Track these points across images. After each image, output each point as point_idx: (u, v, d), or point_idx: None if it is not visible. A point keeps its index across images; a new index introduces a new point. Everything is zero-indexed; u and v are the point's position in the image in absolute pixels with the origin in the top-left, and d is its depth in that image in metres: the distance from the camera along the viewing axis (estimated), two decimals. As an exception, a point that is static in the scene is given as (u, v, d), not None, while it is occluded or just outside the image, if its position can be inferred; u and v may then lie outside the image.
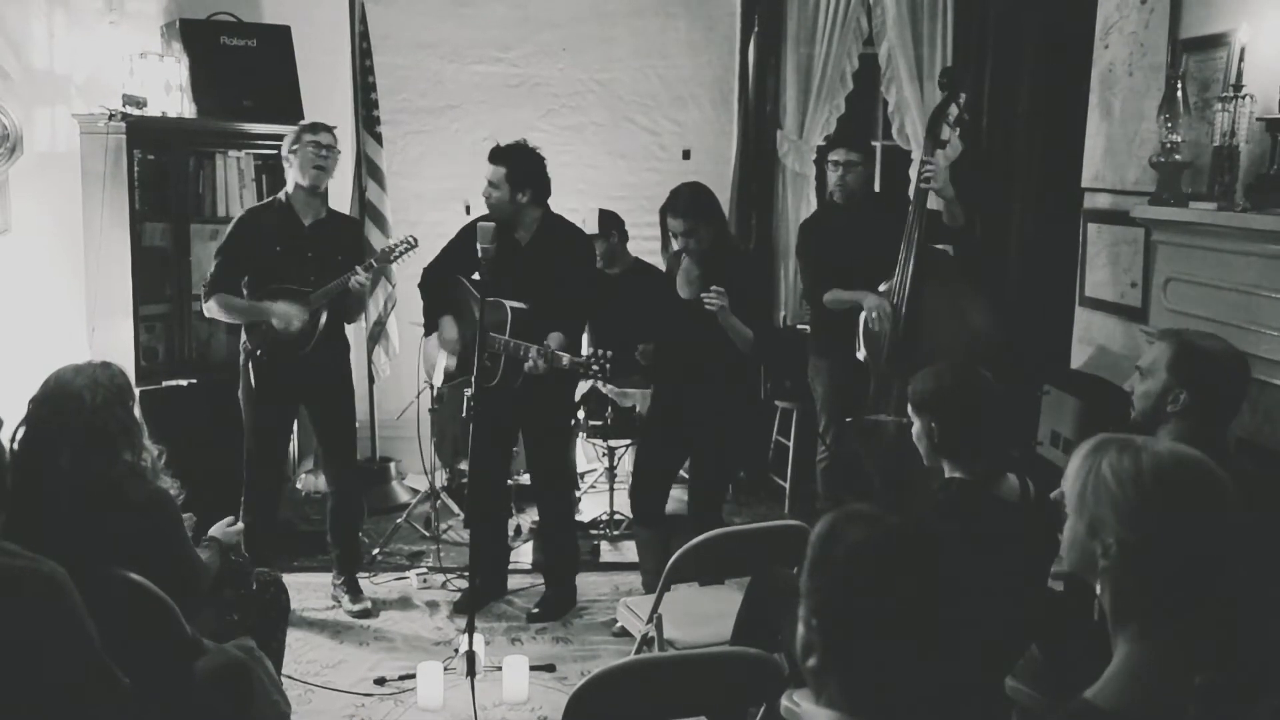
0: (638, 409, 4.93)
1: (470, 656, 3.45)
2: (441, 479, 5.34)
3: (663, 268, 4.79)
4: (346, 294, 4.11)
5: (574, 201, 5.77)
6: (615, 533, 5.10)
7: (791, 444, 5.45)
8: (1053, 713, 1.53)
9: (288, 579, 3.48)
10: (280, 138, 4.24)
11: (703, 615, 3.33)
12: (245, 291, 4.10)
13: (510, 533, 4.96)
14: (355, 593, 4.34)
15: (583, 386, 5.06)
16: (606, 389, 5.01)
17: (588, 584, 4.53)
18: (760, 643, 2.66)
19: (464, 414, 3.72)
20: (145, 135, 4.58)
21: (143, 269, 4.59)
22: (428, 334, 4.32)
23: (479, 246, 3.54)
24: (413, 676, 3.60)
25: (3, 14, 4.61)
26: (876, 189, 5.05)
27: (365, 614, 4.27)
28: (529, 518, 4.96)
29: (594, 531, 5.14)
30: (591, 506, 5.38)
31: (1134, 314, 4.11)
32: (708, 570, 3.36)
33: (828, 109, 5.72)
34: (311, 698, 3.63)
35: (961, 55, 5.41)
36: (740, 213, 5.75)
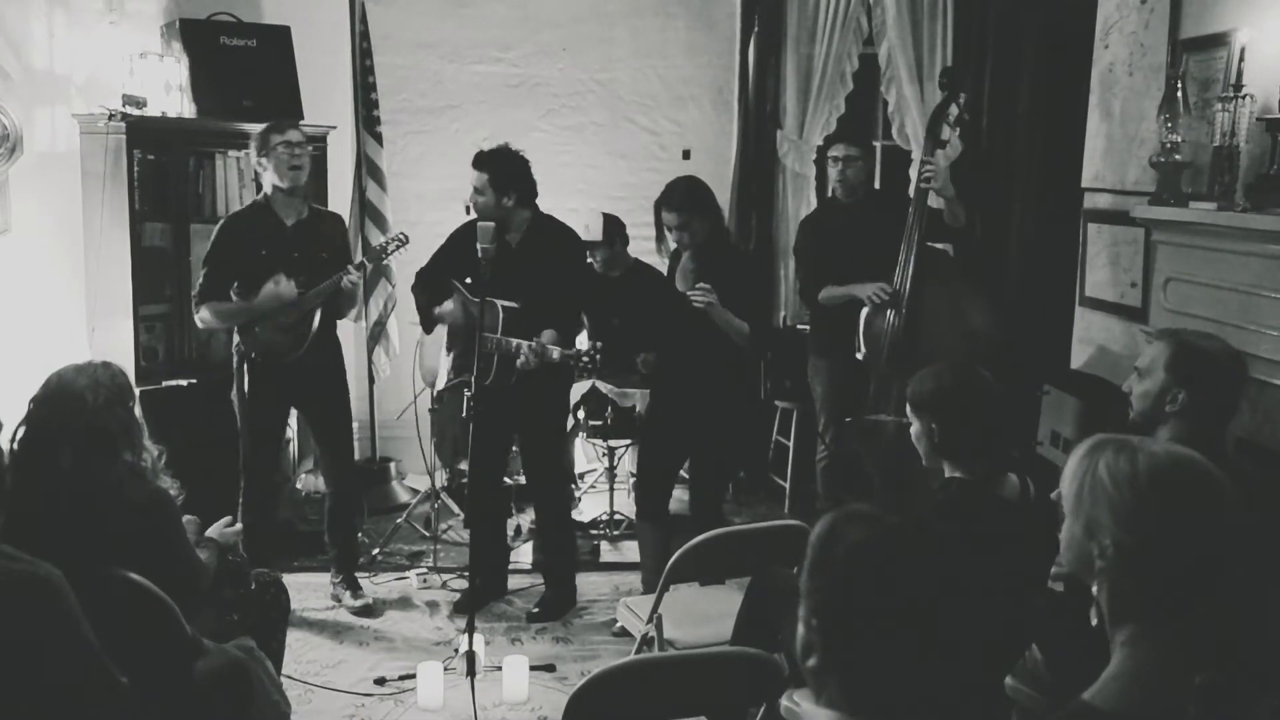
0: (638, 409, 4.93)
1: (470, 656, 3.45)
2: (441, 479, 5.34)
3: (657, 262, 4.81)
4: (339, 293, 4.10)
5: (574, 201, 5.78)
6: (615, 533, 5.10)
7: (791, 444, 5.45)
8: (1052, 713, 1.52)
9: (288, 579, 3.49)
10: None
11: (703, 615, 3.33)
12: (235, 298, 4.09)
13: (510, 533, 4.97)
14: (355, 589, 4.34)
15: (582, 387, 5.07)
16: (606, 389, 5.02)
17: (588, 584, 4.53)
18: (760, 643, 2.66)
19: (464, 414, 3.72)
20: (145, 135, 4.57)
21: (143, 269, 4.58)
22: (428, 331, 4.32)
23: (479, 246, 3.55)
24: (413, 676, 3.60)
25: (3, 14, 4.60)
26: (876, 188, 5.04)
27: (367, 611, 4.26)
28: (529, 518, 4.96)
29: (594, 531, 5.14)
30: (591, 506, 5.38)
31: (1134, 314, 4.11)
32: (708, 570, 3.36)
33: (828, 109, 5.72)
34: (311, 698, 3.63)
35: (961, 55, 5.41)
36: (740, 213, 5.75)
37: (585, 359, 3.79)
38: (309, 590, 4.42)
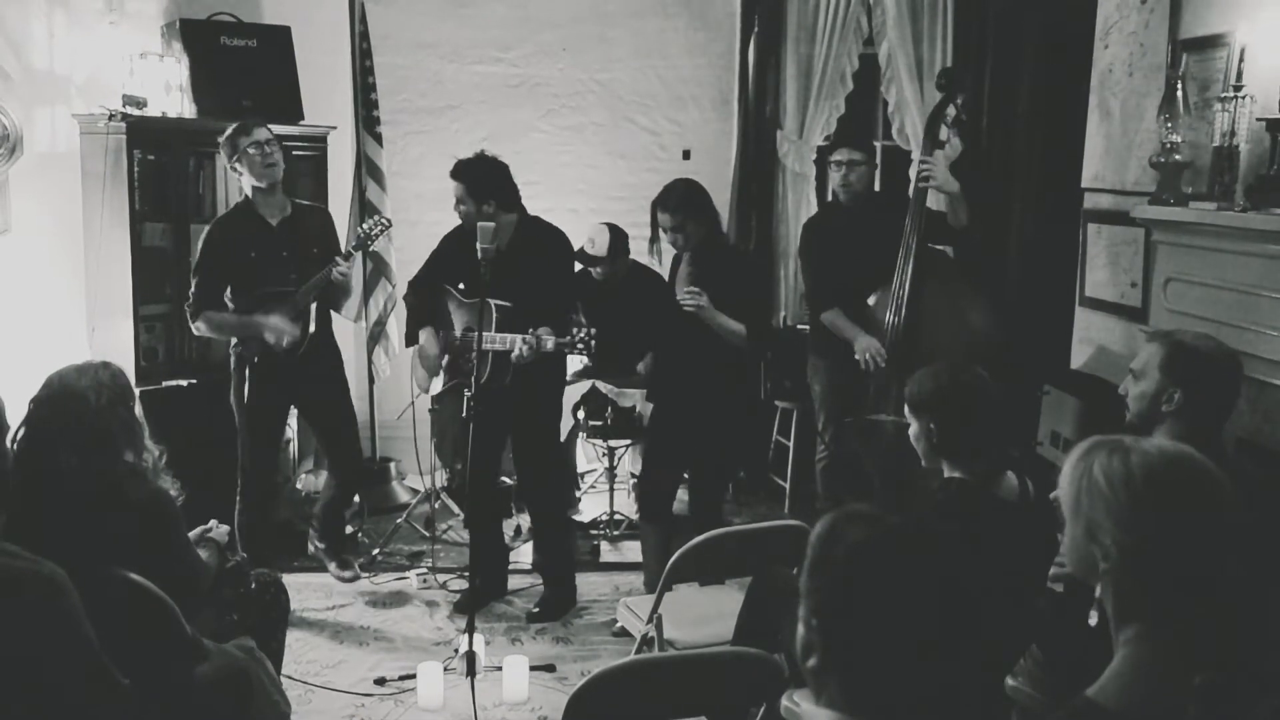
0: (638, 409, 4.93)
1: (470, 656, 3.45)
2: (441, 479, 5.34)
3: (648, 260, 4.81)
4: (331, 285, 4.10)
5: (574, 201, 5.78)
6: (615, 533, 5.10)
7: (791, 444, 5.45)
8: (1054, 712, 1.53)
9: (288, 579, 3.49)
10: (280, 138, 4.23)
11: (703, 615, 3.33)
12: (230, 304, 4.09)
13: (510, 533, 4.97)
14: (341, 558, 4.38)
15: (582, 387, 5.07)
16: (606, 389, 5.02)
17: (588, 584, 4.53)
18: (760, 643, 2.66)
19: (464, 414, 3.72)
20: (145, 135, 4.57)
21: (143, 269, 4.59)
22: (408, 344, 4.35)
23: (479, 247, 3.55)
24: (413, 676, 3.60)
25: (3, 14, 4.61)
26: (877, 189, 5.04)
27: (355, 578, 4.29)
28: (528, 518, 4.96)
29: (594, 531, 5.14)
30: (591, 506, 5.38)
31: (1134, 314, 4.11)
32: (708, 570, 3.36)
33: (828, 109, 5.72)
34: (311, 698, 3.63)
35: (961, 55, 5.41)
36: (740, 213, 5.75)
37: (580, 343, 3.80)
38: (309, 590, 4.42)
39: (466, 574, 4.36)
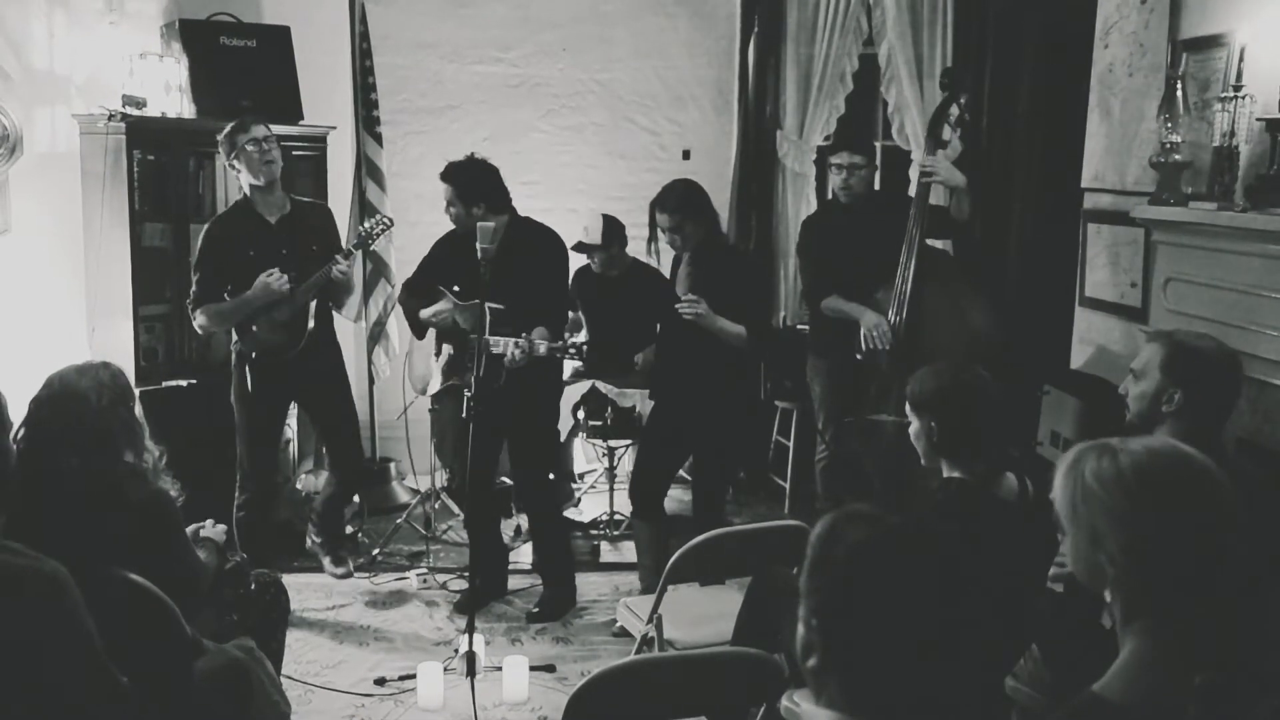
0: (637, 409, 4.93)
1: (470, 656, 3.45)
2: (441, 479, 5.34)
3: (646, 259, 4.81)
4: (331, 283, 4.10)
5: (574, 201, 5.78)
6: (615, 533, 5.10)
7: (791, 444, 5.45)
8: (1060, 707, 1.53)
9: (287, 579, 3.49)
10: (280, 138, 4.23)
11: (703, 615, 3.33)
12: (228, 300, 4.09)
13: (510, 533, 4.97)
14: (339, 562, 4.38)
15: (582, 387, 5.07)
16: (606, 389, 5.02)
17: (588, 584, 4.53)
18: (760, 643, 2.66)
19: (464, 414, 3.72)
20: (145, 135, 4.57)
21: (142, 269, 4.59)
22: (419, 336, 4.34)
23: (479, 247, 3.55)
24: (413, 677, 3.60)
25: (3, 14, 4.61)
26: (876, 188, 5.04)
27: (346, 575, 4.29)
28: (527, 518, 4.96)
29: (594, 531, 5.15)
30: (591, 506, 5.38)
31: (1134, 314, 4.11)
32: (708, 570, 3.37)
33: (828, 109, 5.72)
34: (311, 698, 3.63)
35: (961, 55, 5.40)
36: (740, 213, 5.75)
37: (572, 349, 3.81)
38: (309, 590, 4.42)
39: (466, 574, 4.36)
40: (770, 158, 5.78)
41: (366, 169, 5.36)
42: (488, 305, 3.88)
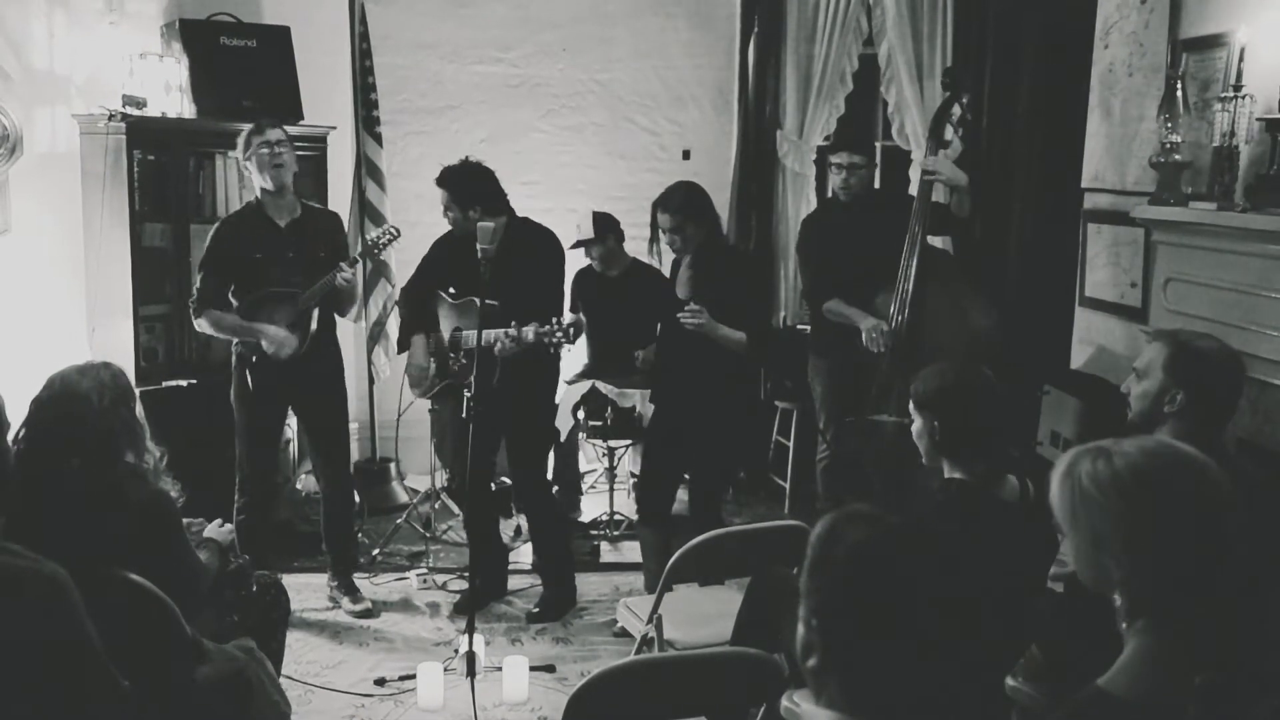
0: (637, 409, 4.93)
1: (470, 657, 3.45)
2: (441, 479, 5.34)
3: (648, 260, 4.81)
4: (335, 291, 4.11)
5: (574, 201, 5.78)
6: (615, 533, 5.10)
7: (791, 444, 5.45)
8: (1065, 701, 1.53)
9: (287, 579, 3.49)
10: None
11: (703, 615, 3.33)
12: (234, 301, 4.09)
13: (510, 533, 4.97)
14: (354, 593, 4.34)
15: (582, 387, 5.07)
16: (606, 389, 5.02)
17: (588, 584, 4.53)
18: (760, 643, 2.66)
19: (464, 414, 3.73)
20: (145, 135, 4.58)
21: (143, 269, 4.59)
22: (400, 350, 4.36)
23: (480, 247, 3.56)
24: (413, 677, 3.60)
25: (3, 14, 4.61)
26: (876, 187, 5.04)
27: (366, 614, 4.26)
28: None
29: (594, 532, 5.14)
30: (591, 507, 5.38)
31: (1134, 314, 4.11)
32: (708, 570, 3.36)
33: (828, 109, 5.72)
34: (311, 698, 3.63)
35: (961, 55, 5.40)
36: (740, 213, 5.75)
37: (560, 333, 3.82)
38: (309, 591, 4.42)
39: (466, 574, 4.36)
40: (770, 158, 5.78)
41: (366, 169, 5.36)
42: (482, 305, 3.89)
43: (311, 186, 4.96)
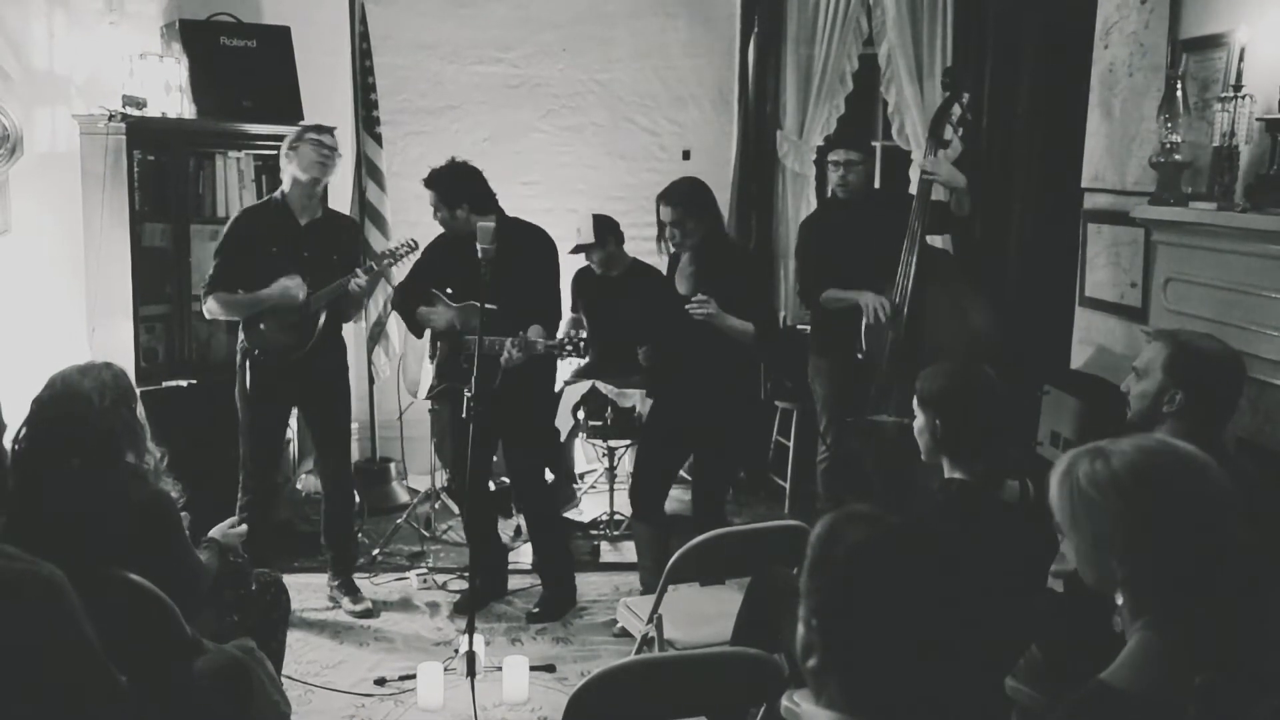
0: (637, 409, 4.93)
1: (470, 657, 3.45)
2: (441, 479, 5.34)
3: (659, 258, 4.80)
4: (345, 295, 4.11)
5: (574, 201, 5.78)
6: (615, 533, 5.10)
7: (791, 444, 5.45)
8: (1068, 696, 1.53)
9: (288, 579, 3.48)
10: (281, 138, 4.24)
11: (703, 615, 3.33)
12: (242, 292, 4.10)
13: (510, 533, 4.97)
14: (354, 593, 4.34)
15: (582, 387, 5.07)
16: (606, 389, 5.02)
17: (588, 584, 4.53)
18: (760, 643, 2.66)
19: (464, 415, 3.73)
20: (145, 136, 4.57)
21: (143, 269, 4.58)
22: (418, 335, 4.36)
23: (479, 247, 3.56)
24: (413, 677, 3.60)
25: (3, 14, 4.61)
26: (876, 187, 5.04)
27: (367, 614, 4.26)
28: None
29: (594, 532, 5.14)
30: (591, 506, 5.38)
31: (1134, 314, 4.11)
32: (708, 570, 3.36)
33: (828, 109, 5.72)
34: (311, 698, 3.63)
35: (961, 55, 5.40)
36: (740, 213, 5.75)
37: (569, 346, 3.82)
38: (309, 590, 4.42)
39: (466, 574, 4.36)
40: (770, 158, 5.78)
41: (366, 169, 5.36)
42: (483, 306, 3.89)
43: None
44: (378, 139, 5.39)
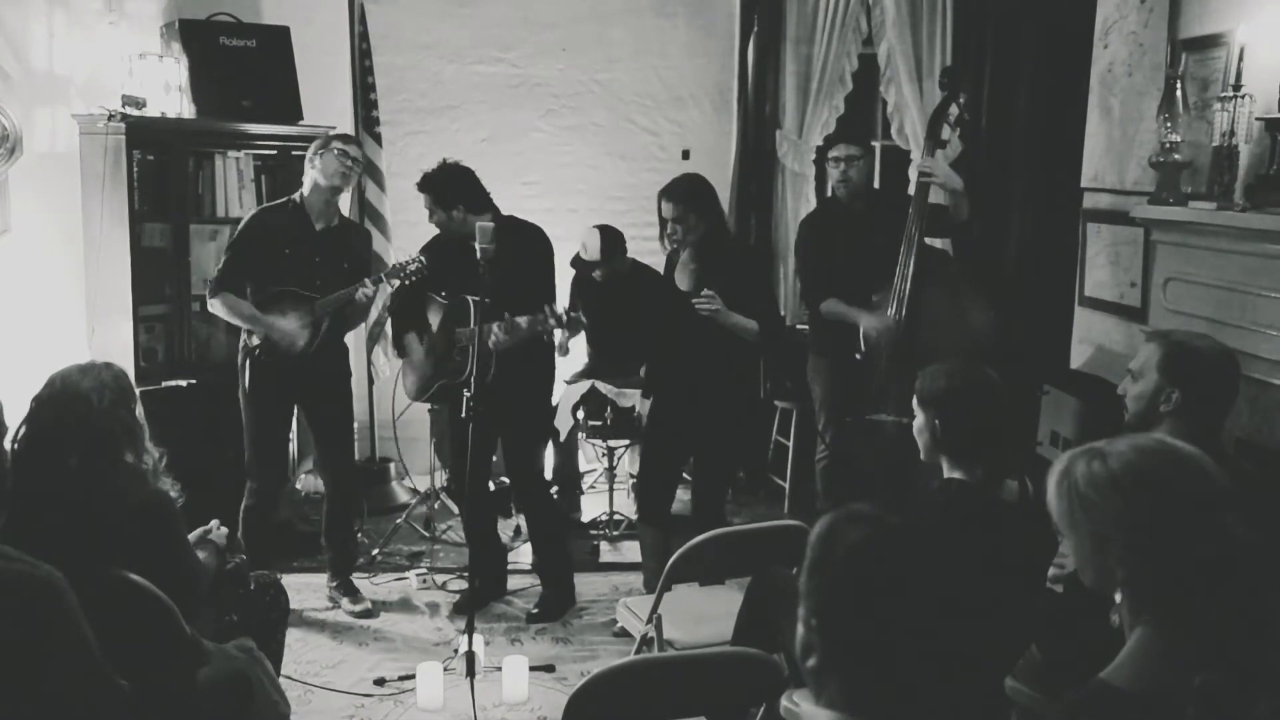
0: (637, 409, 4.92)
1: (470, 657, 3.45)
2: (441, 479, 5.34)
3: (660, 256, 4.79)
4: (350, 304, 4.11)
5: (574, 201, 5.78)
6: (615, 533, 5.10)
7: (791, 444, 5.45)
8: (1069, 694, 1.53)
9: (287, 579, 3.49)
10: (280, 138, 4.25)
11: (703, 615, 3.33)
12: (250, 294, 4.09)
13: (510, 533, 4.97)
14: (353, 593, 4.34)
15: (582, 387, 5.07)
16: (606, 389, 5.01)
17: (588, 584, 4.53)
18: (760, 643, 2.66)
19: (463, 414, 3.72)
20: (145, 136, 4.57)
21: (142, 269, 4.58)
22: (399, 355, 4.38)
23: (479, 246, 3.56)
24: (412, 677, 3.60)
25: (3, 14, 4.61)
26: (876, 187, 5.04)
27: (366, 614, 4.26)
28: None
29: (594, 532, 5.14)
30: (591, 506, 5.38)
31: (1134, 314, 4.11)
32: (708, 570, 3.36)
33: (827, 109, 5.72)
34: (311, 698, 3.63)
35: (961, 55, 5.40)
36: (740, 213, 5.75)
37: (553, 320, 3.82)
38: (309, 590, 4.42)
39: (466, 574, 4.36)
40: (770, 158, 5.78)
41: (366, 169, 5.35)
42: (472, 300, 3.90)
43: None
44: (377, 139, 5.39)
